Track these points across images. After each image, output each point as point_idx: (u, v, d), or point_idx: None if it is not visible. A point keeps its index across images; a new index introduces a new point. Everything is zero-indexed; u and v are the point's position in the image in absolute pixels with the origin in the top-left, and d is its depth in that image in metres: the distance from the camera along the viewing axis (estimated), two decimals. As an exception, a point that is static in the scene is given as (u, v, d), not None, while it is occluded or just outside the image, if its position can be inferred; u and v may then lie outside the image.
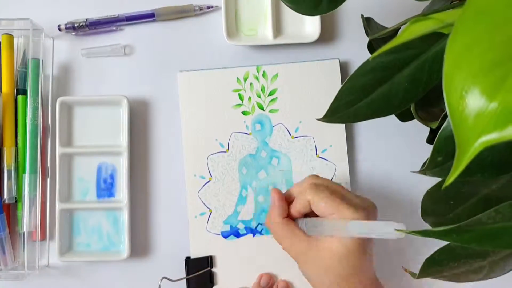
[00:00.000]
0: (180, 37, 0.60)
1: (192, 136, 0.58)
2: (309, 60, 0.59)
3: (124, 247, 0.56)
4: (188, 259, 0.56)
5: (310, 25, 0.59)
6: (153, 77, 0.59)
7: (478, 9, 0.20)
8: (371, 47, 0.47)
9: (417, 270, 0.36)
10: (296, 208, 0.49)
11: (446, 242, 0.32)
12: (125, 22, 0.59)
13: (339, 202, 0.45)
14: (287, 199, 0.50)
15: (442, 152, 0.33)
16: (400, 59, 0.37)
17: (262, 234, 0.57)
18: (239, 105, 0.58)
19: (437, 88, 0.35)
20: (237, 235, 0.57)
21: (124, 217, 0.56)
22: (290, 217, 0.50)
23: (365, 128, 0.59)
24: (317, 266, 0.47)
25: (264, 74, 0.58)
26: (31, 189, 0.55)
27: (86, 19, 0.59)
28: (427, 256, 0.36)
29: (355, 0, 0.58)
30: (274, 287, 0.56)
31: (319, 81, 0.58)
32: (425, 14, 0.35)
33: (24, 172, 0.55)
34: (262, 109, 0.58)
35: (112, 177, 0.58)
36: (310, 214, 0.49)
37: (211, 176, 0.58)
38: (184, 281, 0.56)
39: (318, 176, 0.51)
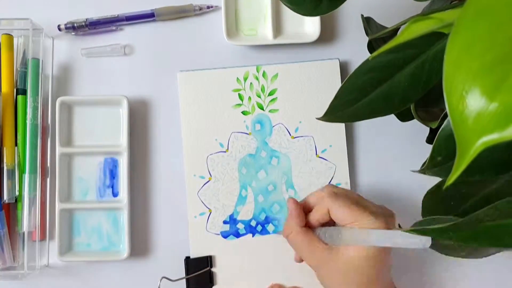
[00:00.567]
0: (180, 37, 0.60)
1: (192, 135, 0.58)
2: (309, 60, 0.59)
3: (124, 247, 0.56)
4: (187, 259, 0.56)
5: (310, 25, 0.59)
6: (153, 77, 0.59)
7: (478, 9, 0.20)
8: (371, 47, 0.47)
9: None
10: (315, 217, 0.49)
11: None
12: (125, 22, 0.59)
13: (359, 211, 0.45)
14: (304, 209, 0.50)
15: (442, 151, 0.33)
16: (399, 59, 0.37)
17: (261, 234, 0.57)
18: (239, 105, 0.58)
19: (437, 88, 0.35)
20: (237, 235, 0.57)
21: (124, 217, 0.56)
22: (308, 226, 0.49)
23: (365, 128, 0.59)
24: (337, 276, 0.47)
25: (264, 74, 0.58)
26: (31, 189, 0.55)
27: (86, 19, 0.59)
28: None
29: (355, 0, 0.58)
30: None
31: (319, 81, 0.58)
32: (425, 14, 0.35)
33: (24, 172, 0.55)
34: (262, 109, 0.58)
35: (112, 177, 0.58)
36: (328, 223, 0.49)
37: (210, 176, 0.58)
38: (184, 281, 0.56)
39: (335, 186, 0.51)
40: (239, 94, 0.58)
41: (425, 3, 0.44)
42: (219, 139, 0.58)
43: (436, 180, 0.38)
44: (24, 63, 0.57)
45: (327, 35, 0.60)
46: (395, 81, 0.38)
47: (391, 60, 0.37)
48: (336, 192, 0.48)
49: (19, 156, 0.56)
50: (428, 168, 0.34)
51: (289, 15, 0.59)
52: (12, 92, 0.57)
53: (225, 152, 0.58)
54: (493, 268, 0.57)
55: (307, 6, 0.40)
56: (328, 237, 0.47)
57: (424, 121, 0.45)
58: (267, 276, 0.57)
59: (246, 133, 0.58)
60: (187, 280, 0.56)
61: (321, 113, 0.41)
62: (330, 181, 0.57)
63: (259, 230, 0.57)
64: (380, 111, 0.39)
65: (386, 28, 0.43)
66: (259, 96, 0.58)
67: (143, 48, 0.60)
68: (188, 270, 0.56)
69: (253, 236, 0.57)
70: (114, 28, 0.59)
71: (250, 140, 0.58)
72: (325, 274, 0.48)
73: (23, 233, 0.56)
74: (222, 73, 0.58)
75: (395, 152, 0.59)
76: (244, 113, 0.58)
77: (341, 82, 0.58)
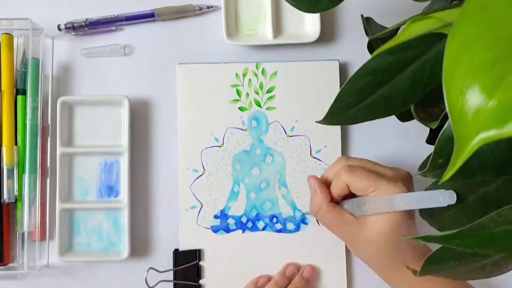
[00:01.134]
0: (180, 37, 0.60)
1: (187, 128, 0.58)
2: (308, 60, 0.59)
3: (124, 247, 0.56)
4: (176, 251, 0.57)
5: (310, 25, 0.59)
6: (153, 77, 0.59)
7: (478, 6, 0.20)
8: (371, 47, 0.47)
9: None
10: (335, 191, 0.49)
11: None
12: (125, 22, 0.59)
13: (377, 179, 0.46)
14: (325, 184, 0.50)
15: (443, 154, 0.33)
16: (400, 60, 0.37)
17: (251, 231, 0.57)
18: (236, 100, 0.58)
19: (437, 89, 0.35)
20: (227, 230, 0.57)
21: (124, 217, 0.56)
22: (333, 201, 0.50)
23: (365, 128, 0.59)
24: (369, 247, 0.47)
25: (263, 71, 0.58)
26: (31, 189, 0.55)
27: (86, 19, 0.59)
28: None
29: (355, 0, 0.58)
30: (298, 273, 0.56)
31: (318, 82, 0.58)
32: (425, 14, 0.35)
33: (23, 172, 0.55)
34: (259, 106, 0.58)
35: (112, 177, 0.58)
36: (349, 195, 0.49)
37: (204, 170, 0.58)
38: (171, 273, 0.56)
39: (348, 157, 0.51)
40: (237, 90, 0.58)
41: (426, 3, 0.44)
42: (215, 134, 0.58)
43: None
44: (24, 63, 0.57)
45: (327, 35, 0.60)
46: (396, 83, 0.37)
47: (392, 62, 0.37)
48: (351, 165, 0.48)
49: (19, 156, 0.56)
50: (429, 171, 0.34)
51: (289, 15, 0.59)
52: (12, 92, 0.57)
53: (220, 147, 0.58)
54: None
55: (308, 3, 0.40)
56: (354, 208, 0.48)
57: (424, 121, 0.45)
58: (255, 272, 0.57)
59: (242, 129, 0.58)
60: (175, 272, 0.56)
61: (319, 114, 0.41)
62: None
63: (250, 227, 0.57)
64: (380, 113, 0.39)
65: (386, 28, 0.43)
66: (257, 93, 0.58)
67: (143, 48, 0.60)
68: (176, 262, 0.56)
69: (243, 232, 0.57)
70: (114, 28, 0.59)
71: (246, 137, 0.58)
72: (358, 247, 0.49)
73: (23, 233, 0.56)
74: (221, 68, 0.58)
75: (395, 152, 0.59)
76: (241, 109, 0.58)
77: (340, 83, 0.58)
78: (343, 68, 0.59)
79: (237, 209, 0.58)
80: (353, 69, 0.58)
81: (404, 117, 0.48)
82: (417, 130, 0.50)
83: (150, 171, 0.59)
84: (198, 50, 0.60)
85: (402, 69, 0.38)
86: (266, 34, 0.59)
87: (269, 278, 0.56)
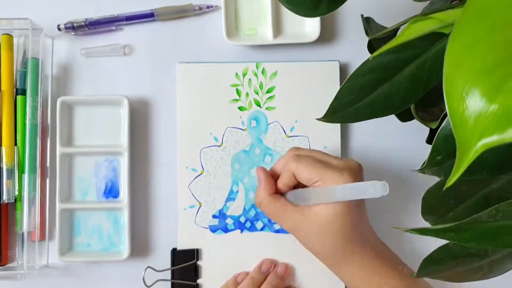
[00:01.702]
0: (179, 36, 0.60)
1: (186, 128, 0.58)
2: (308, 60, 0.59)
3: (125, 247, 0.56)
4: (174, 251, 0.57)
5: (310, 25, 0.58)
6: (153, 77, 0.59)
7: (478, 10, 0.20)
8: (371, 47, 0.47)
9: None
10: (283, 181, 0.49)
11: (445, 241, 0.32)
12: (125, 22, 0.59)
13: (323, 168, 0.46)
14: (273, 176, 0.51)
15: (441, 151, 0.33)
16: (400, 59, 0.37)
17: (250, 231, 0.57)
18: (236, 100, 0.58)
19: (437, 88, 0.35)
20: (225, 230, 0.57)
21: (124, 217, 0.56)
22: (278, 192, 0.50)
23: (365, 128, 0.59)
24: (314, 236, 0.47)
25: (263, 71, 0.58)
26: (30, 189, 0.55)
27: (86, 19, 0.58)
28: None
29: (355, 0, 0.58)
30: (272, 270, 0.56)
31: (318, 82, 0.58)
32: (425, 14, 0.35)
33: (23, 172, 0.55)
34: (259, 106, 0.58)
35: (112, 177, 0.58)
36: (298, 186, 0.49)
37: (203, 169, 0.58)
38: (169, 272, 0.56)
39: (299, 148, 0.51)
40: (237, 90, 0.58)
41: (425, 3, 0.44)
42: (214, 133, 0.58)
43: (436, 179, 0.38)
44: (24, 63, 0.57)
45: (327, 35, 0.60)
46: (396, 81, 0.38)
47: (391, 60, 0.37)
48: (298, 154, 0.48)
49: (18, 156, 0.56)
50: (427, 167, 0.34)
51: (289, 15, 0.59)
52: (12, 92, 0.57)
53: (219, 146, 0.58)
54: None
55: (307, 7, 0.40)
56: (297, 199, 0.48)
57: (424, 121, 0.45)
58: None
59: (241, 129, 0.58)
60: (172, 272, 0.56)
61: (318, 114, 0.41)
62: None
63: (248, 227, 0.57)
64: (380, 111, 0.39)
65: (386, 28, 0.43)
66: (257, 93, 0.58)
67: (142, 48, 0.60)
68: (174, 262, 0.56)
69: (241, 232, 0.57)
70: (113, 28, 0.59)
71: (245, 136, 0.58)
72: (302, 236, 0.49)
73: (23, 233, 0.56)
74: (221, 67, 0.58)
75: (395, 152, 0.59)
76: (240, 108, 0.58)
77: (340, 84, 0.58)
78: (343, 68, 0.59)
79: (235, 209, 0.58)
80: (353, 69, 0.58)
81: (404, 117, 0.48)
82: (417, 130, 0.50)
83: (150, 170, 0.59)
84: (198, 50, 0.60)
85: (402, 68, 0.38)
86: (266, 34, 0.59)
87: (271, 262, 0.56)
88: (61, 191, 0.56)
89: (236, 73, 0.58)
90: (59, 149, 0.56)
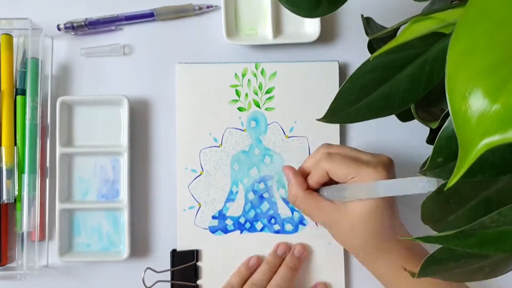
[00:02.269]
0: (179, 36, 0.60)
1: (186, 128, 0.58)
2: (308, 60, 0.59)
3: (124, 247, 0.56)
4: (174, 252, 0.57)
5: (310, 25, 0.58)
6: (153, 77, 0.59)
7: (480, 10, 0.20)
8: (371, 47, 0.47)
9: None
10: (314, 179, 0.49)
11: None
12: (125, 22, 0.59)
13: (357, 165, 0.46)
14: (302, 174, 0.50)
15: (443, 152, 0.33)
16: (400, 59, 0.37)
17: (249, 232, 0.57)
18: (236, 100, 0.58)
19: (437, 88, 0.35)
20: (225, 230, 0.57)
21: (124, 217, 0.56)
22: (309, 189, 0.50)
23: (365, 129, 0.59)
24: (347, 230, 0.47)
25: (262, 72, 0.58)
26: (30, 189, 0.55)
27: (86, 19, 0.58)
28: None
29: (355, 0, 0.58)
30: (289, 252, 0.56)
31: (317, 82, 0.58)
32: (425, 14, 0.35)
33: (23, 172, 0.55)
34: (258, 106, 0.58)
35: (112, 177, 0.58)
36: (328, 183, 0.49)
37: (202, 170, 0.58)
38: (169, 273, 0.56)
39: (329, 145, 0.51)
40: (236, 90, 0.58)
41: (425, 3, 0.44)
42: (213, 134, 0.58)
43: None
44: (24, 63, 0.57)
45: (327, 35, 0.60)
46: (396, 81, 0.38)
47: (392, 60, 0.37)
48: (329, 152, 0.48)
49: (18, 156, 0.56)
50: (429, 169, 0.34)
51: (289, 15, 0.59)
52: (12, 92, 0.57)
53: (218, 147, 0.58)
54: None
55: (306, 8, 0.39)
56: (334, 195, 0.48)
57: (424, 121, 0.45)
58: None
59: (241, 130, 0.58)
60: (172, 273, 0.56)
61: (318, 115, 0.41)
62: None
63: (248, 227, 0.57)
64: (380, 111, 0.39)
65: (386, 28, 0.43)
66: (256, 94, 0.58)
67: (142, 48, 0.60)
68: (173, 263, 0.56)
69: (241, 232, 0.57)
70: (113, 28, 0.59)
71: (245, 137, 0.58)
72: (336, 231, 0.49)
73: (22, 234, 0.56)
74: (221, 68, 0.58)
75: (395, 152, 0.59)
76: (240, 109, 0.58)
77: (339, 84, 0.58)
78: (343, 69, 0.59)
79: (235, 209, 0.58)
80: (353, 69, 0.58)
81: (404, 117, 0.48)
82: (417, 130, 0.50)
83: (150, 171, 0.59)
84: (198, 50, 0.60)
85: (402, 68, 0.38)
86: (266, 34, 0.59)
87: (259, 258, 0.56)
88: (61, 191, 0.56)
89: (236, 74, 0.58)
90: (59, 149, 0.56)
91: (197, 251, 0.57)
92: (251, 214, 0.57)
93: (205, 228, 0.57)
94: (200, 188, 0.57)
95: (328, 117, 0.40)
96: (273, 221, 0.57)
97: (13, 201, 0.56)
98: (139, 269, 0.57)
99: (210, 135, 0.58)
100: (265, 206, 0.58)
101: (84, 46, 0.59)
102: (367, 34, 0.46)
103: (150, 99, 0.59)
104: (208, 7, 0.59)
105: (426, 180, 0.39)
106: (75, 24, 0.58)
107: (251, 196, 0.58)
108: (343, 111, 0.40)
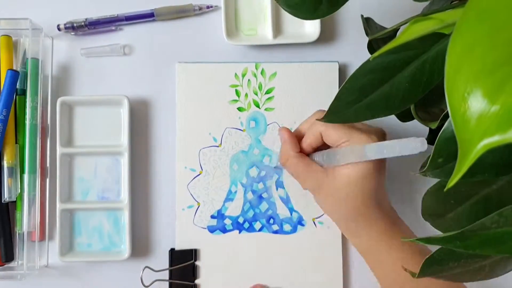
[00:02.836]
0: (179, 36, 0.60)
1: (185, 127, 0.58)
2: (308, 60, 0.59)
3: (125, 247, 0.56)
4: (172, 251, 0.57)
5: (310, 25, 0.58)
6: (153, 77, 0.59)
7: (479, 11, 0.20)
8: (371, 47, 0.47)
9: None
10: (308, 142, 0.49)
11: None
12: (125, 22, 0.59)
13: (350, 130, 0.46)
14: (297, 137, 0.50)
15: (443, 153, 0.33)
16: (400, 60, 0.37)
17: (248, 231, 0.57)
18: (235, 100, 0.58)
19: (437, 89, 0.35)
20: (224, 230, 0.57)
21: (125, 217, 0.56)
22: (302, 152, 0.50)
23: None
24: (334, 196, 0.48)
25: (262, 72, 0.58)
26: (30, 189, 0.55)
27: (86, 19, 0.58)
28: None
29: (355, 0, 0.58)
30: None
31: (317, 83, 0.58)
32: (425, 14, 0.35)
33: (23, 172, 0.55)
34: (258, 106, 0.58)
35: (112, 177, 0.58)
36: (320, 148, 0.49)
37: (201, 169, 0.58)
38: (167, 272, 0.56)
39: (325, 110, 0.51)
40: (236, 90, 0.58)
41: (425, 3, 0.44)
42: (213, 133, 0.58)
43: (435, 179, 0.38)
44: (24, 63, 0.57)
45: (327, 35, 0.60)
46: (396, 82, 0.38)
47: (392, 61, 0.37)
48: None
49: (19, 155, 0.56)
50: (429, 170, 0.34)
51: (289, 15, 0.59)
52: (12, 92, 0.57)
53: (218, 146, 0.58)
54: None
55: (306, 10, 0.40)
56: (324, 159, 0.48)
57: (424, 121, 0.45)
58: (251, 273, 0.57)
59: (240, 130, 0.58)
60: (170, 272, 0.56)
61: (317, 115, 0.41)
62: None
63: (246, 227, 0.57)
64: (380, 112, 0.39)
65: (386, 28, 0.43)
66: (256, 94, 0.58)
67: (142, 48, 0.60)
68: (172, 262, 0.56)
69: (239, 232, 0.57)
70: (113, 28, 0.59)
71: (244, 137, 0.58)
72: (322, 196, 0.49)
73: (23, 234, 0.56)
74: (221, 68, 0.58)
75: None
76: (239, 109, 0.58)
77: (339, 85, 0.58)
78: (342, 69, 0.59)
79: (234, 209, 0.58)
80: (353, 70, 0.58)
81: (404, 117, 0.48)
82: (417, 130, 0.50)
83: (150, 170, 0.59)
84: (197, 50, 0.60)
85: (402, 68, 0.38)
86: (266, 34, 0.59)
87: (263, 287, 0.57)
88: (61, 191, 0.56)
89: (236, 74, 0.58)
90: (59, 149, 0.56)
91: (195, 250, 0.57)
92: (250, 214, 0.58)
93: (203, 228, 0.57)
94: (199, 188, 0.58)
95: (328, 117, 0.40)
96: (271, 221, 0.57)
97: (15, 199, 0.56)
98: (139, 269, 0.57)
99: (210, 134, 0.58)
100: (264, 206, 0.58)
101: (84, 46, 0.59)
102: (367, 34, 0.47)
103: (150, 99, 0.59)
104: (208, 7, 0.59)
105: (418, 141, 0.39)
106: (75, 24, 0.58)
107: (250, 196, 0.58)
108: (343, 111, 0.40)
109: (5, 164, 0.55)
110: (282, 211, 0.57)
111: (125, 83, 0.59)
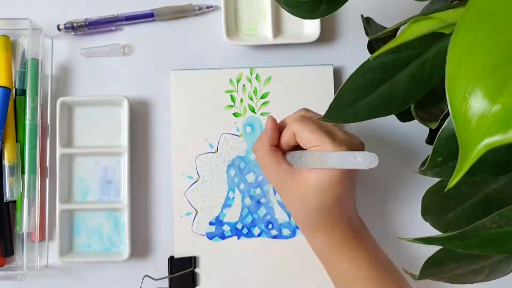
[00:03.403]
0: (179, 37, 0.60)
1: (181, 135, 0.58)
2: (309, 59, 0.59)
3: (125, 248, 0.56)
4: (171, 259, 0.56)
5: (310, 25, 0.58)
6: (153, 77, 0.59)
7: (480, 10, 0.20)
8: (371, 47, 0.47)
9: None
10: (283, 139, 0.49)
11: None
12: (125, 22, 0.59)
13: (323, 135, 0.45)
14: (280, 130, 0.50)
15: (442, 152, 0.33)
16: (400, 59, 0.37)
17: (247, 237, 0.57)
18: (231, 106, 0.58)
19: (437, 88, 0.35)
20: (222, 236, 0.57)
21: (125, 217, 0.56)
22: (279, 148, 0.50)
23: (364, 129, 0.59)
24: (296, 197, 0.47)
25: (257, 77, 0.58)
26: (30, 190, 0.55)
27: (86, 19, 0.58)
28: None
29: (355, 0, 0.58)
30: None
31: (312, 87, 0.58)
32: (425, 14, 0.35)
33: (23, 172, 0.55)
34: (254, 111, 0.58)
35: (112, 177, 0.58)
36: (298, 148, 0.49)
37: (198, 176, 0.58)
38: (167, 280, 0.56)
39: (309, 110, 0.50)
40: (231, 96, 0.58)
41: (425, 3, 0.44)
42: (209, 140, 0.58)
43: (435, 179, 0.38)
44: (23, 63, 0.57)
45: (327, 35, 0.60)
46: (396, 81, 0.38)
47: (392, 60, 0.37)
48: (304, 116, 0.48)
49: (20, 155, 0.56)
50: (428, 169, 0.34)
51: (289, 15, 0.59)
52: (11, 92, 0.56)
53: (214, 153, 0.58)
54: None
55: (306, 9, 0.40)
56: (293, 160, 0.48)
57: (424, 121, 0.45)
58: (251, 279, 0.57)
59: (236, 135, 0.58)
60: (170, 280, 0.56)
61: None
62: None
63: (245, 233, 0.57)
64: (380, 111, 0.39)
65: (386, 28, 0.43)
66: (251, 99, 0.58)
67: (142, 48, 0.60)
68: (171, 270, 0.56)
69: (238, 238, 0.57)
70: (113, 28, 0.59)
71: (240, 143, 0.58)
72: (286, 196, 0.49)
73: (23, 234, 0.56)
74: (215, 74, 0.58)
75: (395, 152, 0.59)
76: (235, 115, 0.58)
77: (334, 87, 0.58)
78: (337, 72, 0.59)
79: (232, 215, 0.57)
80: (352, 70, 0.58)
81: (404, 117, 0.48)
82: (417, 130, 0.50)
83: (150, 171, 0.59)
84: (197, 50, 0.60)
85: (402, 68, 0.38)
86: (265, 34, 0.59)
87: None
88: (61, 191, 0.56)
89: (230, 79, 0.58)
90: (59, 150, 0.56)
91: (194, 257, 0.56)
92: (248, 219, 0.57)
93: (202, 235, 0.57)
94: (196, 195, 0.57)
95: (328, 117, 0.40)
96: (270, 226, 0.57)
97: (16, 199, 0.55)
98: (139, 270, 0.57)
99: (206, 141, 0.58)
100: (262, 211, 0.57)
101: (84, 46, 0.59)
102: (367, 34, 0.47)
103: (150, 99, 0.59)
104: (208, 7, 0.59)
105: (369, 157, 0.39)
106: (75, 24, 0.58)
107: (248, 201, 0.57)
108: (343, 110, 0.40)
109: (6, 163, 0.55)
110: (281, 216, 0.57)
111: (125, 83, 0.59)
